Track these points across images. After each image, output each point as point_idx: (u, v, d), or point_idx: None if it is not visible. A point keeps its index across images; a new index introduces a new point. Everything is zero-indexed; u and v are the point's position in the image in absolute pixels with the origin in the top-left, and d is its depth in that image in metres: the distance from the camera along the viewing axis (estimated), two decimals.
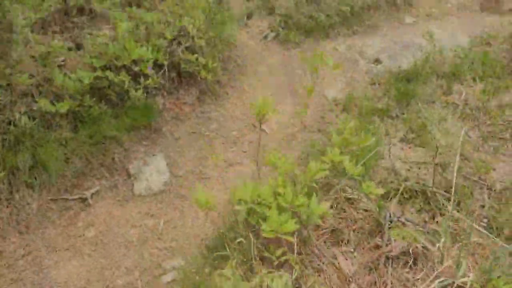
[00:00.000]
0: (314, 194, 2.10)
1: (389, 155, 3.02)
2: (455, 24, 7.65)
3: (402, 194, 2.88)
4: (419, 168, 3.33)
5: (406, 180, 3.03)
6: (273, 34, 6.16)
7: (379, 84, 5.00)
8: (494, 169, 3.48)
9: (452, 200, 2.58)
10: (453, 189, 2.58)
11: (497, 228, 2.80)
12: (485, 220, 2.87)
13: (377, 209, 2.47)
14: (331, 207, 2.75)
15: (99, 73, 3.25)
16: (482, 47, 5.98)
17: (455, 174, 2.58)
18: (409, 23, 7.60)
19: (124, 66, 3.47)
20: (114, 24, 3.58)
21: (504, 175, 3.47)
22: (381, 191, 2.24)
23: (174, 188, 3.20)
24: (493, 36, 6.31)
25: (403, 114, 4.21)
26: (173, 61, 4.13)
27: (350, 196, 2.73)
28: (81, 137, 3.13)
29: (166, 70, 4.04)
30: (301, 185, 2.15)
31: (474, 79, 4.88)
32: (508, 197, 3.14)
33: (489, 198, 3.11)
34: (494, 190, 3.19)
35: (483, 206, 2.99)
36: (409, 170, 3.24)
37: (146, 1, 3.96)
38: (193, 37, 4.23)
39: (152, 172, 3.23)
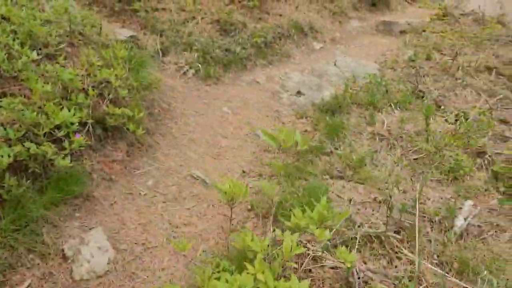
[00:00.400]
0: (293, 274, 2.00)
1: (349, 209, 3.04)
2: (358, 48, 8.19)
3: (359, 241, 2.93)
4: (366, 208, 3.42)
5: (360, 226, 3.08)
6: (192, 71, 6.02)
7: (306, 117, 5.10)
8: (428, 198, 3.71)
9: (417, 248, 2.68)
10: (417, 236, 2.68)
11: (447, 262, 2.97)
12: (435, 256, 3.02)
13: (347, 269, 2.46)
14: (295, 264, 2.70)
15: (18, 147, 2.82)
16: (388, 72, 6.44)
17: (417, 220, 2.68)
18: (317, 48, 7.99)
19: (45, 133, 3.07)
20: (28, 86, 3.17)
21: (436, 203, 3.71)
22: (354, 257, 2.22)
23: (121, 266, 2.88)
24: (395, 61, 6.84)
25: (336, 149, 4.33)
26: (97, 116, 3.79)
27: (314, 254, 2.69)
28: (2, 224, 2.68)
29: (90, 127, 3.69)
30: (279, 264, 2.04)
31: (390, 106, 5.22)
32: (447, 227, 3.36)
33: (432, 230, 3.30)
34: (434, 221, 3.39)
35: (430, 241, 3.15)
36: (358, 212, 3.31)
37: (60, 56, 3.57)
38: (115, 88, 3.93)
39: (93, 250, 2.87)
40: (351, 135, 4.59)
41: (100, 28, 4.44)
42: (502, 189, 4.24)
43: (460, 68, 6.53)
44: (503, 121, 5.67)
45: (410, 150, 4.40)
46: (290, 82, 5.80)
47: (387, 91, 5.50)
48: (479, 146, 4.65)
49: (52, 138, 3.19)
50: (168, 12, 6.73)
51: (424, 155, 4.33)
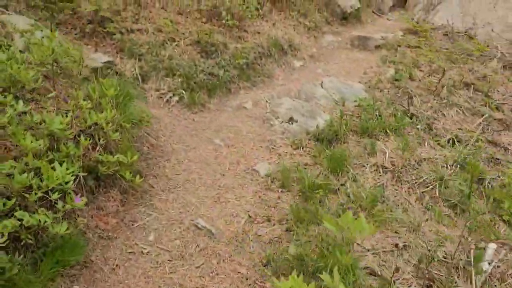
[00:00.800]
0: None
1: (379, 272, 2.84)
2: (338, 65, 8.10)
3: None
4: (387, 256, 3.24)
5: (392, 284, 2.89)
6: (176, 98, 5.67)
7: (302, 147, 4.89)
8: (445, 239, 3.58)
9: None
10: None
11: None
12: None
13: None
14: None
15: (11, 222, 2.42)
16: (375, 93, 6.36)
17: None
18: (298, 66, 7.84)
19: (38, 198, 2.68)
20: (15, 142, 2.76)
21: (455, 243, 3.59)
22: None
23: None
24: (379, 80, 6.77)
25: (343, 185, 4.15)
26: (87, 165, 3.40)
27: None
28: None
29: (82, 179, 3.30)
30: None
31: (386, 133, 5.10)
32: (470, 274, 3.23)
33: (458, 278, 3.16)
34: (459, 268, 3.26)
35: None
36: (384, 265, 3.13)
37: (47, 102, 3.17)
38: (106, 132, 3.56)
39: None
40: (353, 168, 4.42)
41: (82, 65, 4.03)
42: (506, 218, 4.22)
43: (444, 87, 6.55)
44: (492, 142, 5.71)
45: (416, 183, 4.29)
46: (281, 108, 5.57)
47: (380, 115, 5.39)
48: (480, 173, 4.62)
49: (43, 201, 2.80)
50: (145, 33, 6.33)
51: (431, 188, 4.23)
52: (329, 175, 4.26)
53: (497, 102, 6.89)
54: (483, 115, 6.27)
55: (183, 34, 6.58)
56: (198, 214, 3.71)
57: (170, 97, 5.68)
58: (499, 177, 4.71)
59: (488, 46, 9.34)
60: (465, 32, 9.97)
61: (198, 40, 6.50)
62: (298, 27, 9.00)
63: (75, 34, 6.08)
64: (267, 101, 6.10)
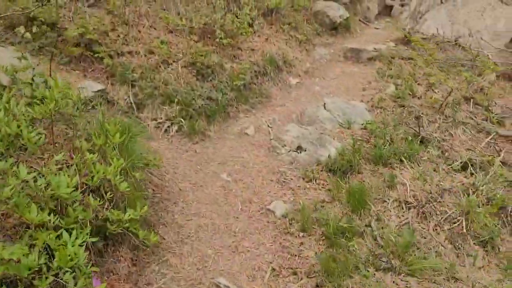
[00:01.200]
0: None
1: None
2: (334, 81, 7.88)
3: None
4: None
5: None
6: (175, 127, 5.30)
7: (316, 180, 4.60)
8: (485, 286, 3.36)
9: None
10: None
11: None
12: None
13: None
14: None
15: None
16: (380, 113, 6.14)
17: None
18: (294, 84, 7.59)
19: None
20: (18, 214, 2.37)
21: None
22: None
23: None
24: (381, 99, 6.56)
25: (367, 226, 3.88)
26: (96, 225, 3.02)
27: None
28: None
29: (90, 244, 2.92)
30: None
31: (401, 161, 4.88)
32: None
33: None
34: None
35: None
36: None
37: (50, 160, 2.77)
38: (115, 185, 3.18)
39: None
40: (374, 204, 4.16)
41: (81, 108, 3.63)
42: None
43: (447, 104, 6.39)
44: (503, 163, 5.55)
45: (442, 218, 4.06)
46: (287, 136, 5.27)
47: (392, 140, 5.16)
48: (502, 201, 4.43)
49: (54, 283, 2.42)
50: (136, 55, 5.92)
51: (458, 224, 4.01)
52: (350, 214, 3.99)
53: (497, 115, 6.80)
54: (488, 133, 6.15)
55: (176, 55, 6.20)
56: (217, 270, 3.37)
57: (169, 127, 5.31)
58: None
59: (478, 54, 9.29)
60: (455, 41, 9.90)
61: (193, 62, 6.13)
62: (290, 41, 8.72)
63: (61, 59, 5.63)
64: (269, 126, 5.81)
